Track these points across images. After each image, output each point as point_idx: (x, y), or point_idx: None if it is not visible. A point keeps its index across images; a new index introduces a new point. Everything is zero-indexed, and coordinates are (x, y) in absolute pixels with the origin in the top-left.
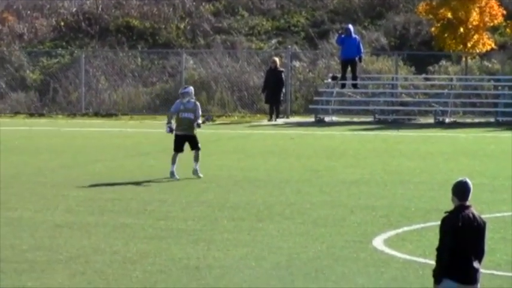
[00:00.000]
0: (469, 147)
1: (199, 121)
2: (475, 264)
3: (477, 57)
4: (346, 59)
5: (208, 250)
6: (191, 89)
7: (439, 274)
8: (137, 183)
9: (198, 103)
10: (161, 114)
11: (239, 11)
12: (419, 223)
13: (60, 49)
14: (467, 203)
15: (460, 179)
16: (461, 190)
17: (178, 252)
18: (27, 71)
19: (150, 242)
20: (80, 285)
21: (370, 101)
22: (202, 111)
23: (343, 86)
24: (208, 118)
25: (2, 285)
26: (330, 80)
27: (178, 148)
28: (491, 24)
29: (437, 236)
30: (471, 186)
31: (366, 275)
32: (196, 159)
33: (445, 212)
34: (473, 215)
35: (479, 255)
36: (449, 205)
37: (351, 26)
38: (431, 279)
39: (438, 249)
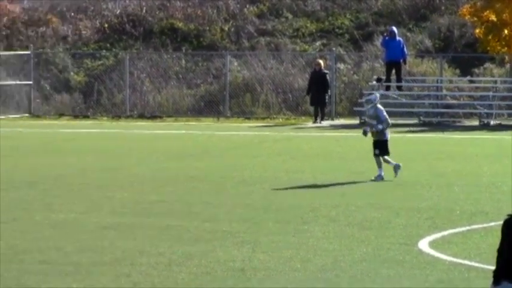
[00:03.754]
0: None
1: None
2: None
3: None
4: (391, 61)
5: (253, 252)
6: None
7: (498, 275)
8: (182, 185)
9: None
10: (205, 116)
11: (283, 13)
12: (465, 225)
13: (104, 51)
14: None
15: None
16: None
17: (224, 254)
18: (72, 73)
19: (195, 244)
20: (125, 287)
21: (414, 104)
22: (247, 113)
23: (387, 88)
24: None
25: (47, 287)
26: (374, 83)
27: None
28: None
29: (483, 239)
30: None
31: (412, 277)
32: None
33: (508, 215)
34: None
35: None
36: (494, 207)
37: (395, 28)
38: (477, 282)
39: (499, 251)
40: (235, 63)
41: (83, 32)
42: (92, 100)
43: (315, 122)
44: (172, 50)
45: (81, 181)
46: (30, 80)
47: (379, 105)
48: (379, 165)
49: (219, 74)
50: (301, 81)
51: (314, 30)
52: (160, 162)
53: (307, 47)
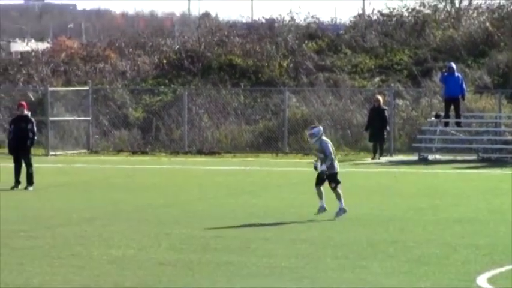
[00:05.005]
0: None
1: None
2: None
3: None
4: (450, 97)
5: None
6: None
7: None
8: (240, 221)
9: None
10: (264, 152)
11: (342, 49)
12: None
13: (162, 87)
14: None
15: None
16: None
17: None
18: (130, 109)
19: (253, 280)
20: None
21: (473, 140)
22: (305, 149)
23: (446, 124)
24: None
25: None
26: (433, 119)
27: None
28: None
29: None
30: None
31: None
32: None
33: None
34: None
35: None
36: None
37: (453, 64)
38: None
39: None
40: (294, 99)
41: (142, 68)
42: (150, 136)
43: (373, 158)
44: (230, 85)
45: (139, 217)
46: (88, 116)
47: (324, 138)
48: (339, 198)
49: (278, 110)
50: (360, 117)
51: (373, 66)
52: (219, 198)
53: (365, 82)
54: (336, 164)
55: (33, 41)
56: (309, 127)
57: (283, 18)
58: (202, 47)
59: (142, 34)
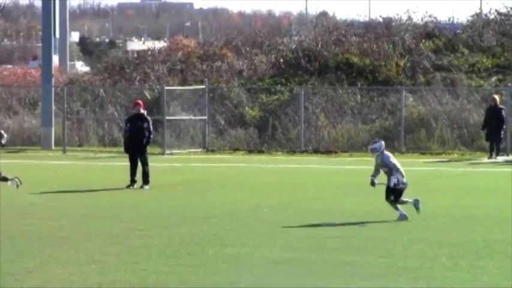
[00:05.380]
0: None
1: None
2: None
3: None
4: None
5: None
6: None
7: None
8: (357, 221)
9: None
10: None
11: (459, 48)
12: None
13: (279, 86)
14: None
15: None
16: None
17: None
18: (247, 108)
19: (369, 280)
20: None
21: None
22: (422, 148)
23: None
24: None
25: None
26: None
27: None
28: None
29: None
30: None
31: None
32: None
33: None
34: None
35: None
36: None
37: None
38: None
39: None
40: (411, 99)
41: (258, 67)
42: (266, 135)
43: (490, 157)
44: (347, 84)
45: (255, 216)
46: (205, 115)
47: (385, 152)
48: (403, 203)
49: (394, 109)
50: (477, 116)
51: (490, 66)
52: (336, 198)
53: (482, 82)
54: (403, 178)
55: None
56: (371, 141)
57: (401, 17)
58: (319, 46)
59: (259, 33)
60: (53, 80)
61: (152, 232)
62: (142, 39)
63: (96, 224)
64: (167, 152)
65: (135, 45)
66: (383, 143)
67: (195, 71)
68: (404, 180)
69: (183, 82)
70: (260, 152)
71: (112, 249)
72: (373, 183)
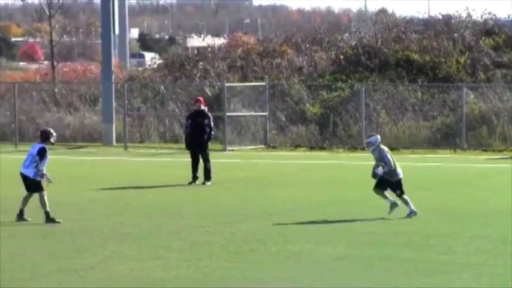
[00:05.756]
0: None
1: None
2: None
3: None
4: None
5: (491, 285)
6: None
7: None
8: (420, 217)
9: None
10: (442, 149)
11: None
12: None
13: (339, 82)
14: None
15: None
16: None
17: (461, 287)
18: (307, 104)
19: (432, 277)
20: None
21: None
22: (483, 145)
23: None
24: None
25: None
26: None
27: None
28: None
29: None
30: None
31: None
32: None
33: None
34: None
35: None
36: None
37: None
38: None
39: None
40: (472, 95)
41: (318, 64)
42: (327, 131)
43: None
44: (408, 81)
45: (317, 212)
46: (265, 111)
47: (382, 146)
48: (406, 203)
49: (455, 106)
50: None
51: None
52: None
53: None
54: (399, 170)
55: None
56: (368, 136)
57: (460, 14)
58: (379, 42)
59: (319, 30)
60: (113, 76)
61: (214, 228)
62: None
63: (158, 220)
64: (228, 148)
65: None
66: (378, 137)
67: (255, 67)
68: (400, 173)
69: (243, 79)
70: (321, 148)
71: (174, 246)
72: (375, 175)
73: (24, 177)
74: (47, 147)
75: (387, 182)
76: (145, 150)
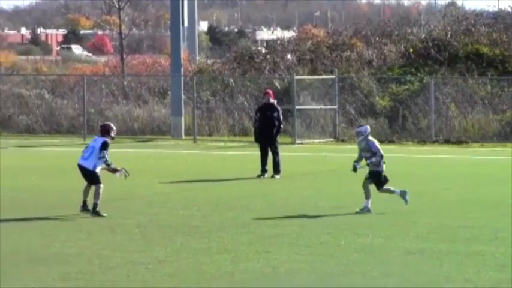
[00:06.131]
0: None
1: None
2: None
3: None
4: None
5: None
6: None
7: None
8: (488, 211)
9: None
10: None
11: None
12: None
13: (409, 76)
14: None
15: None
16: None
17: None
18: (377, 98)
19: (502, 271)
20: None
21: None
22: None
23: None
24: None
25: None
26: None
27: None
28: None
29: None
30: None
31: None
32: None
33: None
34: None
35: None
36: None
37: None
38: None
39: None
40: None
41: (388, 57)
42: (397, 125)
43: None
44: (477, 75)
45: (387, 205)
46: (335, 105)
47: (370, 137)
48: (368, 197)
49: None
50: None
51: None
52: (467, 188)
53: None
54: (383, 164)
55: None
56: (357, 125)
57: None
58: (449, 35)
59: (389, 23)
60: (182, 69)
61: (283, 222)
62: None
63: (228, 214)
64: (298, 141)
65: (264, 34)
66: (368, 127)
67: (324, 60)
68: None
69: (313, 72)
70: (391, 142)
71: (243, 239)
72: (355, 169)
73: (83, 169)
74: (108, 141)
75: (375, 173)
76: (214, 143)
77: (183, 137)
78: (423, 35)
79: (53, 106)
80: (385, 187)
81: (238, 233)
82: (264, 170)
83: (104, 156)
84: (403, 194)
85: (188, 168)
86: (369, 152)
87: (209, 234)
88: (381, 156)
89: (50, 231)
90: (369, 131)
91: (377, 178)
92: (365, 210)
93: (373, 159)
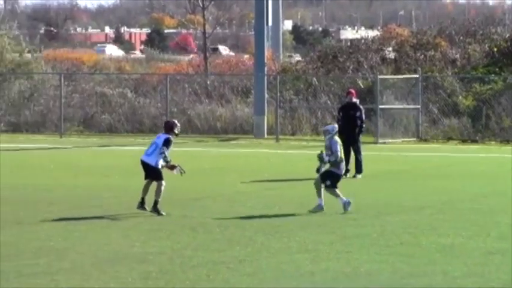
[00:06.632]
0: None
1: None
2: None
3: None
4: None
5: None
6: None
7: None
8: None
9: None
10: None
11: None
12: None
13: (492, 75)
14: None
15: None
16: None
17: None
18: (460, 97)
19: None
20: None
21: None
22: None
23: None
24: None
25: None
26: None
27: None
28: None
29: None
30: None
31: None
32: None
33: None
34: None
35: None
36: None
37: None
38: None
39: None
40: None
41: (472, 56)
42: (480, 124)
43: None
44: None
45: (470, 206)
46: (418, 104)
47: (335, 137)
48: (320, 195)
49: None
50: None
51: None
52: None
53: None
54: (342, 167)
55: (363, 28)
56: (324, 124)
57: None
58: None
59: (473, 22)
60: (265, 68)
61: (365, 221)
62: (356, 27)
63: (308, 213)
64: (380, 141)
65: (348, 33)
66: (336, 125)
67: (408, 59)
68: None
69: (396, 71)
70: (473, 141)
71: (325, 238)
72: (321, 157)
73: (146, 165)
74: (171, 138)
75: (332, 174)
76: (297, 143)
77: (266, 136)
78: (508, 35)
79: (136, 105)
80: (336, 190)
81: (319, 232)
82: (346, 170)
83: (163, 152)
84: (346, 205)
85: (270, 168)
86: (329, 151)
87: (289, 234)
88: (336, 158)
89: (131, 230)
90: (336, 130)
91: (334, 179)
92: (318, 208)
93: (332, 158)
